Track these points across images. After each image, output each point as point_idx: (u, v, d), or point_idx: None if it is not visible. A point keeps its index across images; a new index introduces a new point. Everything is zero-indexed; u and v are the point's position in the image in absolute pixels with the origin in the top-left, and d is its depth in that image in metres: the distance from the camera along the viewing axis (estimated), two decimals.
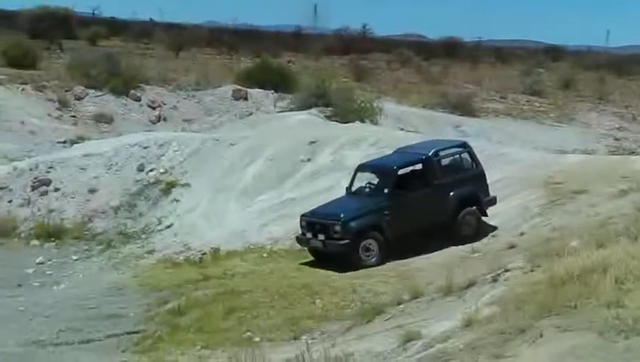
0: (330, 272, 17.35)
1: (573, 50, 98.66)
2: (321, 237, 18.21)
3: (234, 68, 49.69)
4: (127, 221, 22.20)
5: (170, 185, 23.38)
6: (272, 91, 41.49)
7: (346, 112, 31.16)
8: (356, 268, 17.36)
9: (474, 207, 18.72)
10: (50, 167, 24.12)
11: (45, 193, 23.16)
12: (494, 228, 18.46)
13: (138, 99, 38.38)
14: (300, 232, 18.75)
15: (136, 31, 73.59)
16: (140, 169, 24.09)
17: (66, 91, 36.78)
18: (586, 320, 7.96)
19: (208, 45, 68.27)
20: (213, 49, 66.95)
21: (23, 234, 21.58)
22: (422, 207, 18.36)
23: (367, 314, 13.88)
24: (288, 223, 20.52)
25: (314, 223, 18.45)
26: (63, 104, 35.95)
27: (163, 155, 24.61)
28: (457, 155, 19.31)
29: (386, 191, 18.69)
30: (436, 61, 70.95)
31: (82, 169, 24.13)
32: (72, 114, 35.65)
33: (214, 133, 28.40)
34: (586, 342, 7.54)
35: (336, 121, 29.17)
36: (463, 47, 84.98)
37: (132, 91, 38.36)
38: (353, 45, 74.03)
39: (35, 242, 21.23)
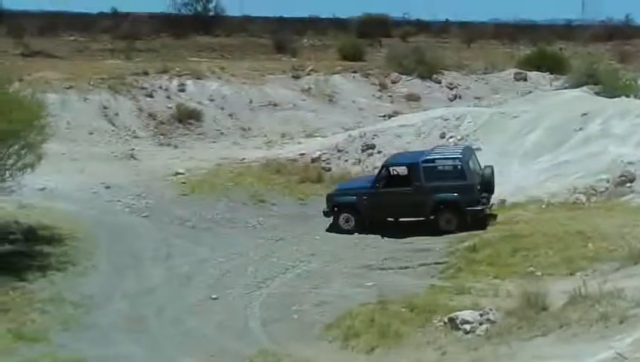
0: (599, 221, 16.38)
1: None
2: None
3: (514, 55, 47.97)
4: None
5: None
6: (548, 73, 39.75)
7: (612, 89, 29.05)
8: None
9: (453, 211, 17.69)
10: (374, 135, 24.69)
11: (371, 154, 23.70)
12: None
13: (439, 82, 38.15)
14: None
15: (437, 29, 73.12)
16: (442, 136, 24.01)
17: (385, 77, 37.29)
18: None
19: (493, 38, 66.41)
20: (497, 40, 65.12)
21: None
22: (399, 202, 17.91)
23: (636, 256, 12.92)
24: (563, 181, 19.64)
25: None
26: (383, 87, 36.52)
27: (459, 126, 24.34)
28: (450, 167, 17.99)
29: (372, 180, 18.70)
30: None
31: (398, 136, 24.47)
32: (389, 94, 36.11)
33: (500, 108, 27.61)
34: None
35: (604, 97, 27.32)
36: None
37: (434, 76, 38.17)
38: (617, 33, 68.89)
39: None
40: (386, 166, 18.99)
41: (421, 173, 18.04)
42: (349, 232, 18.05)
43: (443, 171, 18.10)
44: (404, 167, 18.76)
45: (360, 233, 17.97)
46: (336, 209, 18.59)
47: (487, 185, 18.47)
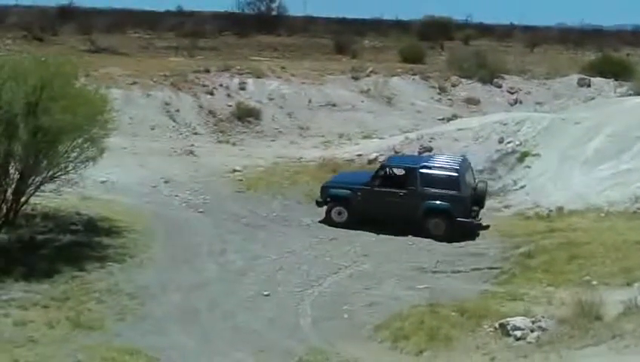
0: None
1: None
2: None
3: (579, 61, 47.10)
4: (489, 181, 21.97)
5: (524, 155, 22.78)
6: (613, 79, 38.87)
7: None
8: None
9: (443, 219, 17.86)
10: (431, 138, 24.53)
11: None
12: None
13: (499, 86, 37.72)
14: None
15: (500, 32, 72.20)
16: (500, 141, 23.71)
17: (445, 80, 37.07)
18: None
19: (557, 43, 65.32)
20: (562, 45, 63.97)
21: None
22: (392, 203, 18.12)
23: None
24: (624, 189, 19.23)
25: None
26: (442, 90, 36.30)
27: (519, 131, 23.99)
28: (446, 177, 18.09)
29: (368, 176, 18.97)
30: None
31: (456, 140, 24.25)
32: (449, 97, 35.86)
33: (561, 114, 27.11)
34: None
35: None
36: None
37: (495, 80, 37.80)
38: None
39: None
40: (384, 166, 19.42)
41: (417, 178, 18.30)
42: (342, 226, 18.44)
43: (439, 180, 18.29)
44: (402, 170, 18.98)
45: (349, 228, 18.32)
46: (329, 201, 18.88)
47: (479, 199, 18.86)
